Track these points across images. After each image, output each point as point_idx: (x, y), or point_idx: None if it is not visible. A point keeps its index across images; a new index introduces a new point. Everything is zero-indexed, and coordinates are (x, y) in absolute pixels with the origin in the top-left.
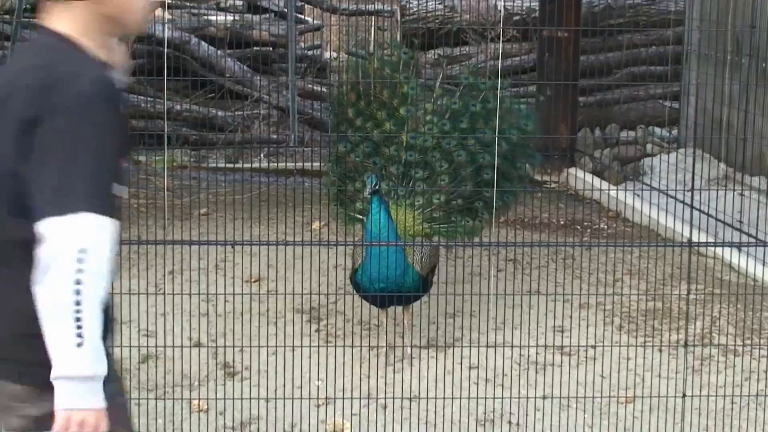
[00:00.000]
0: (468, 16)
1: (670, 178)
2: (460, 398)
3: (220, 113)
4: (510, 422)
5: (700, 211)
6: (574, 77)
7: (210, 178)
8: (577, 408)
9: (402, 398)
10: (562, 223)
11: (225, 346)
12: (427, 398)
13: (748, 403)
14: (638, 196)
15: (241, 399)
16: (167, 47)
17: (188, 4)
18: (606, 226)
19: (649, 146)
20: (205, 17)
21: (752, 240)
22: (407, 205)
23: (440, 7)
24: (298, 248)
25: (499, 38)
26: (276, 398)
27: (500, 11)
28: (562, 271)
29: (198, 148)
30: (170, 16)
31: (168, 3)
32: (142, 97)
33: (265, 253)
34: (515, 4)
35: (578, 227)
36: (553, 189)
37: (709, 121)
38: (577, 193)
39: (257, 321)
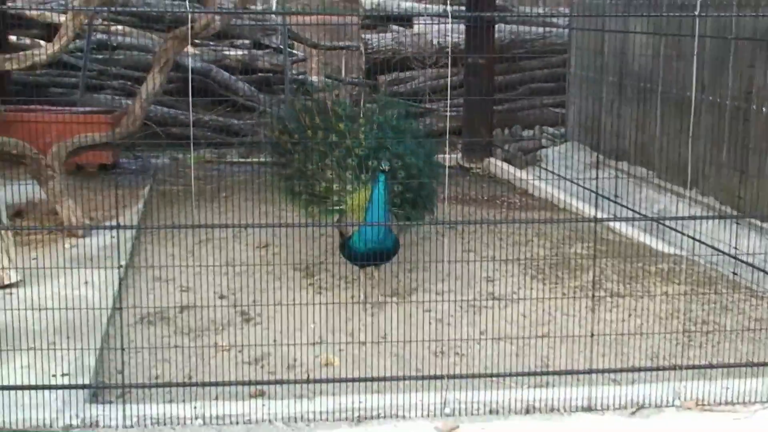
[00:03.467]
0: (411, 49)
1: (559, 163)
2: (419, 340)
3: (235, 122)
4: (456, 353)
5: (584, 187)
6: (491, 92)
7: (229, 170)
8: (506, 341)
9: (373, 340)
10: (485, 198)
11: (242, 298)
12: (391, 339)
13: (633, 336)
14: (537, 177)
15: (251, 345)
16: (195, 75)
17: (211, 43)
18: (517, 201)
19: (543, 141)
20: (223, 52)
21: (631, 214)
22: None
23: (392, 43)
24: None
25: (434, 65)
26: (280, 343)
27: (435, 45)
28: (488, 235)
29: (220, 148)
30: (197, 52)
31: (196, 42)
32: (179, 111)
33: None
34: (446, 40)
35: (497, 201)
36: (477, 173)
37: (585, 121)
38: (494, 176)
39: (266, 278)
